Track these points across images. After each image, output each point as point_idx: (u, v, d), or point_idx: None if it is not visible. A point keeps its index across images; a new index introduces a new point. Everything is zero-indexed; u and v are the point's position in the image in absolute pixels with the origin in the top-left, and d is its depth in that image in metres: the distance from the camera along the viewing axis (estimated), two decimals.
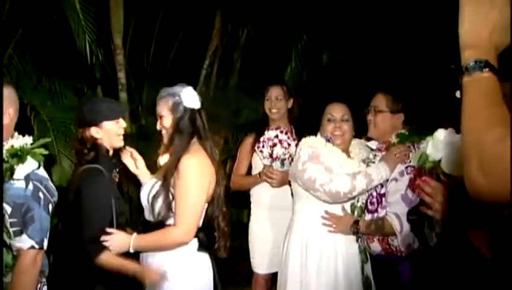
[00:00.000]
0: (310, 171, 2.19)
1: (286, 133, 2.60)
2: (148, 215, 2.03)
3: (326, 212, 2.25)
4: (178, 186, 1.93)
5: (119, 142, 2.04)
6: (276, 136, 2.58)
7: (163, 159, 2.09)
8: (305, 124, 2.77)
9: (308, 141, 2.33)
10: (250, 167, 2.89)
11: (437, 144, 1.36)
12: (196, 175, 1.93)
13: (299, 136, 2.50)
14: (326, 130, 2.31)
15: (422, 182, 1.32)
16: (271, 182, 2.68)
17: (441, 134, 1.37)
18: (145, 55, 4.44)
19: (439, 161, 1.33)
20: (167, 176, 1.95)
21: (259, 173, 2.72)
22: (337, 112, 2.33)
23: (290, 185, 2.44)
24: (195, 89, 2.07)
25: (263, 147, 2.62)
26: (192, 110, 2.00)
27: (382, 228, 2.17)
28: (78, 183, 1.88)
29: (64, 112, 3.30)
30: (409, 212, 1.98)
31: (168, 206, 1.94)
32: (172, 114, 2.01)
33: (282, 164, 2.59)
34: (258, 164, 2.78)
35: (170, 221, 1.96)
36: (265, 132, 2.63)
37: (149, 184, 2.04)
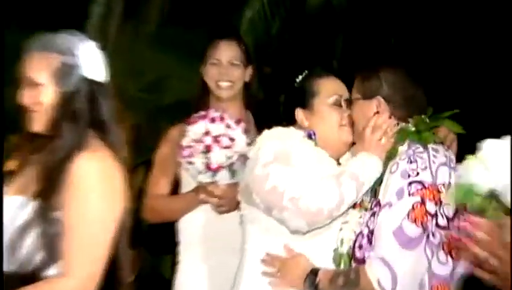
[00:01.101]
0: (275, 178, 2.23)
1: (222, 120, 2.64)
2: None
3: (269, 253, 2.32)
4: (69, 206, 1.88)
5: None
6: (207, 133, 2.60)
7: (33, 161, 2.03)
8: (272, 109, 2.79)
9: (273, 134, 2.38)
10: (177, 182, 2.86)
11: (489, 163, 1.42)
12: (100, 187, 1.92)
13: (261, 128, 2.50)
14: (330, 121, 2.41)
15: (469, 224, 1.38)
16: (217, 203, 2.69)
17: (493, 147, 1.44)
18: None
19: (494, 191, 1.39)
20: (48, 190, 1.92)
21: (197, 189, 2.71)
22: (344, 91, 2.43)
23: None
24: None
25: (191, 156, 2.60)
26: (94, 83, 1.99)
27: (355, 284, 2.20)
28: None
29: None
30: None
31: (49, 245, 1.89)
32: (57, 84, 1.97)
33: (233, 172, 2.62)
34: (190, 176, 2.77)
35: (50, 271, 1.90)
36: (187, 128, 2.63)
37: (7, 208, 1.96)
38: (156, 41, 4.35)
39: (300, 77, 2.48)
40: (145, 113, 3.81)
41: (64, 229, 1.89)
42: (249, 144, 2.57)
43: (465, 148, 1.59)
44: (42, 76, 1.97)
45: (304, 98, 2.44)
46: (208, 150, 2.59)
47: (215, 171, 2.62)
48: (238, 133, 2.63)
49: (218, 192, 2.67)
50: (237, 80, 2.87)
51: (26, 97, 1.99)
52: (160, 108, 3.89)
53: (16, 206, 1.93)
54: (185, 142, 2.63)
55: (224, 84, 2.85)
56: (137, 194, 2.77)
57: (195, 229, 2.84)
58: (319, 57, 4.02)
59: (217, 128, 2.61)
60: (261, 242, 2.35)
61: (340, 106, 2.43)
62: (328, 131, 2.41)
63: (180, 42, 4.11)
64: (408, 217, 2.13)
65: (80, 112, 1.98)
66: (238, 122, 2.66)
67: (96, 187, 1.91)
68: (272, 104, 2.90)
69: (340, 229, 2.33)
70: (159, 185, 2.86)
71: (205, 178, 2.64)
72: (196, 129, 2.62)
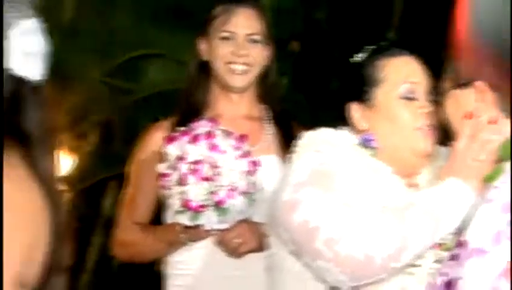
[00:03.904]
0: (307, 208, 2.08)
1: (208, 137, 2.44)
2: None
3: None
4: None
5: None
6: (181, 158, 2.43)
7: None
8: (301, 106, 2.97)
9: (313, 141, 2.23)
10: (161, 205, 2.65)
11: None
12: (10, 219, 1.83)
13: (288, 135, 2.47)
14: (399, 122, 2.25)
15: None
16: (232, 246, 2.49)
17: None
18: None
19: None
20: None
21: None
22: (421, 77, 2.20)
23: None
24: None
25: (166, 188, 2.42)
26: (22, 82, 1.71)
27: None
28: None
29: None
30: None
31: None
32: None
33: (251, 198, 2.42)
34: None
35: None
36: (165, 148, 2.44)
37: None
38: (135, 7, 3.94)
39: (359, 56, 2.20)
40: (116, 108, 3.54)
41: None
42: (252, 172, 2.39)
43: None
44: None
45: (361, 88, 2.15)
46: (182, 182, 2.37)
47: (195, 211, 2.39)
48: (228, 157, 2.39)
49: (231, 235, 2.42)
50: (256, 63, 2.60)
51: None
52: (137, 102, 3.59)
53: None
54: (161, 167, 2.42)
55: (239, 67, 2.58)
56: (106, 223, 2.67)
57: (189, 277, 2.55)
58: (368, 25, 3.58)
59: (195, 151, 2.37)
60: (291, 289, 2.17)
61: (414, 99, 2.15)
62: (395, 136, 2.16)
63: (170, 8, 3.80)
64: (504, 274, 1.74)
65: None
66: (240, 139, 2.40)
67: None
68: (305, 95, 2.81)
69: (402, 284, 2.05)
70: (135, 209, 2.62)
71: (184, 219, 2.40)
72: (171, 151, 2.41)
